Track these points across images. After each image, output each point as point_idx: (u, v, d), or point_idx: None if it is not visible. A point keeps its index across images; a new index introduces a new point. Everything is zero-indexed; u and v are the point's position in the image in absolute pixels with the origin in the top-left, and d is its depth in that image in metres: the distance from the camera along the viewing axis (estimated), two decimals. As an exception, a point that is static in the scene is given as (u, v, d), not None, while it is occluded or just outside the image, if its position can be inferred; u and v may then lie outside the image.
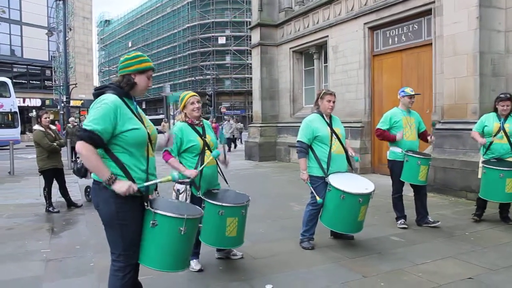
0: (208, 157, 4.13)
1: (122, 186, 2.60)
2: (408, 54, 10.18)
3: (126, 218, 2.71)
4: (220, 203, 3.98)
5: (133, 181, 2.68)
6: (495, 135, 5.72)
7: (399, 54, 10.44)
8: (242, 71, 58.54)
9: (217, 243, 4.14)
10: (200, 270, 4.22)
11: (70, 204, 7.65)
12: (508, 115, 5.76)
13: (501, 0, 7.77)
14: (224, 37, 59.30)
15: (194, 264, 4.25)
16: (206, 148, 4.21)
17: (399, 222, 5.81)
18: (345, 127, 5.30)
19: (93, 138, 2.56)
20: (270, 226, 5.97)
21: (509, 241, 5.09)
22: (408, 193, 5.97)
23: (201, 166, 4.09)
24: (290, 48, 14.93)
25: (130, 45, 72.07)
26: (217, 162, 4.36)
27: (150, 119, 3.02)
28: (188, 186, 4.11)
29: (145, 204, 2.78)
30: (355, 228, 4.81)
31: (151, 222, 2.74)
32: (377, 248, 4.91)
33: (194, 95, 4.32)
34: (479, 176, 5.85)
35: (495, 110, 5.87)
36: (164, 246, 2.77)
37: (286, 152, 14.93)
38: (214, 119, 32.40)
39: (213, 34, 59.23)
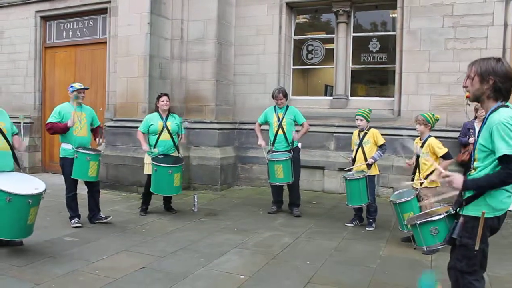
0: None
1: None
2: (83, 50, 10.00)
3: None
4: None
5: None
6: (160, 133, 6.25)
7: (73, 49, 10.12)
8: None
9: None
10: None
11: None
12: (169, 114, 6.39)
13: (169, 12, 8.60)
14: None
15: None
16: None
17: (72, 221, 5.66)
18: (12, 122, 4.88)
19: None
20: None
21: (174, 229, 5.69)
22: (82, 191, 5.89)
23: None
24: None
25: None
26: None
27: None
28: None
29: None
30: (24, 233, 4.41)
31: None
32: (50, 251, 4.64)
33: None
34: (146, 172, 6.34)
35: (156, 109, 6.41)
36: None
37: None
38: None
39: None
